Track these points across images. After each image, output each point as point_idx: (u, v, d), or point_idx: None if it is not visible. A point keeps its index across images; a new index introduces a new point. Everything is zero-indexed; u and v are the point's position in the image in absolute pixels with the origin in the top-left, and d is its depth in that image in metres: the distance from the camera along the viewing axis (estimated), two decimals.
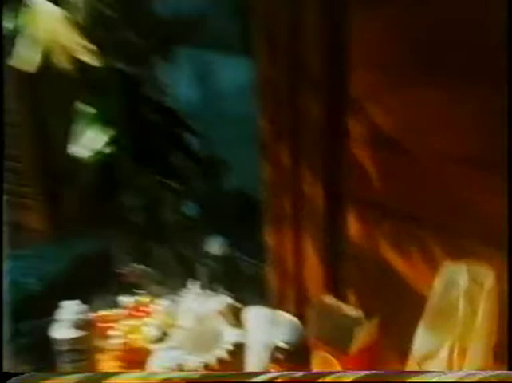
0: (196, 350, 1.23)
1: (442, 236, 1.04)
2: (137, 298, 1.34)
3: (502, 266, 0.89)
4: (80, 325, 1.13)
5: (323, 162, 1.19)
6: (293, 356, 1.07)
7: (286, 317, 1.21)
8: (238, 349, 1.22)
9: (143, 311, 1.33)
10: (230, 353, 1.21)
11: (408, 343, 0.99)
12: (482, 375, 0.65)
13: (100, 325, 1.23)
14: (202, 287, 1.28)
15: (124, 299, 1.33)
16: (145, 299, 1.35)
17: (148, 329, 1.27)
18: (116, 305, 1.31)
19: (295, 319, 1.20)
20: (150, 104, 1.40)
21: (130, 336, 1.27)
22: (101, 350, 1.18)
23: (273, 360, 1.08)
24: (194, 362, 1.19)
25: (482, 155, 0.97)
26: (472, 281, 0.92)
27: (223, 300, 1.26)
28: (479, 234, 0.97)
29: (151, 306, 1.33)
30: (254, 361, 1.19)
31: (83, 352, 1.13)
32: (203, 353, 1.22)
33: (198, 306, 1.25)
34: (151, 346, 1.24)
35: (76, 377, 0.57)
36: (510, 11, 0.60)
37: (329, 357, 1.02)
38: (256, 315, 1.23)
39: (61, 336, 1.12)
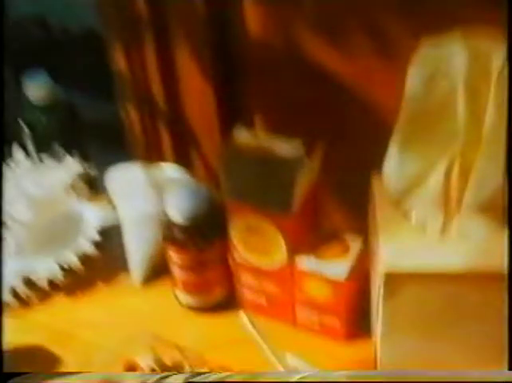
0: (45, 251, 0.85)
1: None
2: None
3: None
4: None
5: None
6: (202, 229, 0.74)
7: (175, 176, 0.85)
8: (109, 236, 0.86)
9: None
10: (97, 244, 0.85)
11: (366, 176, 0.68)
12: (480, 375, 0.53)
13: None
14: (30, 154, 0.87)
15: None
16: None
17: None
18: None
19: (188, 176, 0.84)
20: None
21: None
22: None
23: (170, 240, 0.74)
24: (45, 269, 0.82)
25: None
26: (473, 61, 0.61)
27: (70, 168, 0.87)
28: None
29: None
30: (135, 248, 0.83)
31: None
32: (57, 252, 0.84)
33: (32, 185, 0.84)
34: None
35: (78, 377, 0.54)
36: (510, 11, 0.52)
37: (262, 223, 0.69)
38: (126, 181, 0.85)
39: None
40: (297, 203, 0.67)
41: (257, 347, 0.73)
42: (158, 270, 0.82)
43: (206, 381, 0.58)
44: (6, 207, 0.83)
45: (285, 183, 0.66)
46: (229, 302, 0.78)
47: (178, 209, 0.72)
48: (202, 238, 0.73)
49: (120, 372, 0.67)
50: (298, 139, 0.67)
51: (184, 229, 0.72)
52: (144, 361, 0.68)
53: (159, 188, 0.79)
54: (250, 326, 0.76)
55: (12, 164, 0.85)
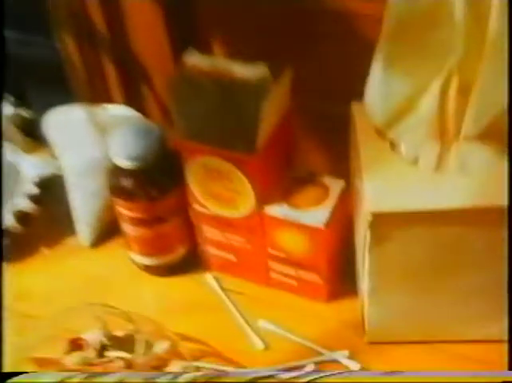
0: None
1: None
2: None
3: None
4: None
5: None
6: (153, 175, 0.62)
7: (122, 116, 0.74)
8: (50, 191, 0.75)
9: None
10: (36, 200, 0.74)
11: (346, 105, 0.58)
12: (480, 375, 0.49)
13: None
14: None
15: None
16: None
17: None
18: None
19: (137, 116, 0.72)
20: None
21: None
22: None
23: (118, 191, 0.63)
24: None
25: None
26: None
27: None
28: None
29: None
30: (81, 203, 0.73)
31: None
32: None
33: None
34: None
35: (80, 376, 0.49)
36: (510, 11, 0.46)
37: (223, 166, 0.59)
38: (67, 125, 0.73)
39: None
40: (264, 141, 0.57)
41: (225, 312, 0.64)
42: (108, 229, 0.72)
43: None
44: None
45: (247, 115, 0.55)
46: (191, 261, 0.68)
47: (124, 151, 0.61)
48: (154, 185, 0.62)
49: (65, 352, 0.58)
50: (262, 63, 0.56)
51: (132, 175, 0.61)
52: (92, 337, 0.59)
53: (104, 132, 0.68)
54: (216, 288, 0.66)
55: None
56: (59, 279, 0.70)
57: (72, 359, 0.57)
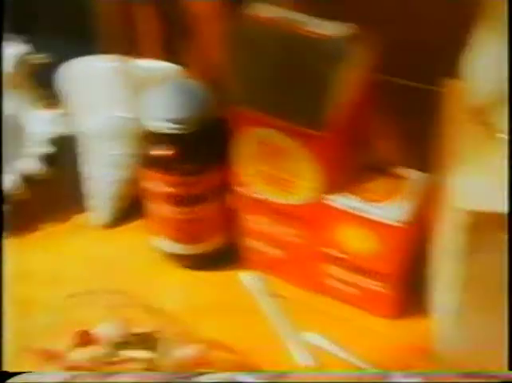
0: None
1: None
2: None
3: None
4: None
5: None
6: (195, 144, 0.55)
7: (158, 73, 0.64)
8: (62, 156, 0.70)
9: None
10: (49, 159, 0.68)
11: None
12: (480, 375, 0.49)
13: None
14: None
15: None
16: None
17: None
18: None
19: (177, 69, 0.64)
20: None
21: None
22: None
23: (148, 161, 0.57)
24: None
25: None
26: None
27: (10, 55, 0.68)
28: None
29: None
30: (98, 174, 0.67)
31: None
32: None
33: None
34: None
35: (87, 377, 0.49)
36: (510, 11, 0.47)
37: (281, 141, 0.53)
38: (89, 79, 0.67)
39: None
40: (336, 117, 0.51)
41: (264, 319, 0.58)
42: (129, 208, 0.67)
43: None
44: None
45: (319, 82, 0.50)
46: (226, 255, 0.62)
47: (162, 113, 0.55)
48: (195, 156, 0.56)
49: (72, 346, 0.52)
50: (341, 21, 0.51)
51: (171, 142, 0.55)
52: (105, 331, 0.53)
53: (137, 90, 0.62)
54: (255, 289, 0.60)
55: None
56: (66, 260, 0.64)
57: (80, 355, 0.52)
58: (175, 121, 0.55)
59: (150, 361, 0.51)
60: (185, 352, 0.52)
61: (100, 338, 0.52)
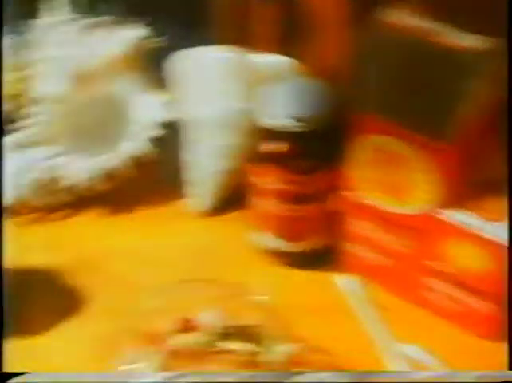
0: (81, 145, 0.70)
1: None
2: None
3: None
4: None
5: None
6: (311, 144, 0.55)
7: (277, 67, 0.64)
8: (168, 141, 0.71)
9: None
10: (152, 148, 0.70)
11: None
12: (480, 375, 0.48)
13: None
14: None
15: None
16: None
17: None
18: None
19: (298, 67, 0.64)
20: None
21: None
22: None
23: (259, 156, 0.58)
24: (80, 168, 0.67)
25: None
26: None
27: (126, 40, 0.69)
28: None
29: None
30: (204, 163, 0.68)
31: None
32: (96, 150, 0.70)
33: (75, 54, 0.69)
34: None
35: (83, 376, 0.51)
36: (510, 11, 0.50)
37: (400, 149, 0.53)
38: (204, 68, 0.68)
39: None
40: (463, 129, 0.51)
41: (356, 322, 0.58)
42: (228, 199, 0.67)
43: None
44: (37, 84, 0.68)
45: (451, 93, 0.50)
46: (326, 256, 0.62)
47: (282, 109, 0.55)
48: (310, 155, 0.56)
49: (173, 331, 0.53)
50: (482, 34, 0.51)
51: (288, 139, 0.55)
52: (207, 319, 0.54)
53: (254, 83, 0.63)
54: (352, 294, 0.60)
55: (47, 24, 0.70)
56: (163, 244, 0.65)
57: (180, 340, 0.52)
58: (294, 119, 0.55)
59: (249, 354, 0.52)
60: (285, 349, 0.52)
61: (200, 326, 0.53)
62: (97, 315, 0.59)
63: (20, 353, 0.56)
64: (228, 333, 0.53)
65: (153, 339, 0.53)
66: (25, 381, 0.47)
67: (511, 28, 0.48)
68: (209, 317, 0.53)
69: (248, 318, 0.54)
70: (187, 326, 0.53)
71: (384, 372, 0.54)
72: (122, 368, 0.51)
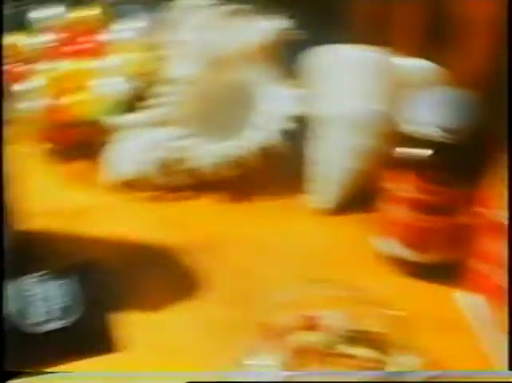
0: (209, 130, 0.71)
1: None
2: None
3: None
4: None
5: None
6: (459, 156, 0.54)
7: (423, 71, 0.63)
8: (297, 135, 0.70)
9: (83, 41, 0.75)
10: (285, 135, 0.69)
11: None
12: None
13: None
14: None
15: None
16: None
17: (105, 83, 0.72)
18: None
19: (446, 74, 0.63)
20: None
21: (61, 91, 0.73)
22: None
23: (399, 162, 0.57)
24: (206, 152, 0.68)
25: None
26: None
27: (264, 30, 0.69)
28: None
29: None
30: (333, 160, 0.67)
31: None
32: (223, 137, 0.70)
33: (211, 39, 0.69)
34: (112, 120, 0.73)
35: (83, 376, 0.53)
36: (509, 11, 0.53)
37: None
38: (338, 64, 0.66)
39: None
40: None
41: (474, 341, 0.57)
42: (352, 199, 0.67)
43: None
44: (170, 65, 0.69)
45: None
46: (449, 269, 0.60)
47: (428, 116, 0.55)
48: (451, 167, 0.55)
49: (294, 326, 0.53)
50: None
51: (429, 147, 0.55)
52: (333, 320, 0.53)
53: (391, 85, 0.62)
54: (471, 311, 0.59)
55: (187, 7, 0.71)
56: (281, 237, 0.65)
57: (302, 338, 0.52)
58: (439, 128, 0.55)
59: (372, 361, 0.51)
60: (409, 361, 0.52)
61: (324, 326, 0.53)
62: (213, 300, 0.60)
63: (136, 327, 0.57)
64: (352, 337, 0.52)
65: (273, 333, 0.53)
66: (25, 381, 0.49)
67: (511, 27, 0.48)
68: (333, 318, 0.53)
69: (371, 324, 0.54)
70: (311, 324, 0.53)
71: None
72: (239, 359, 0.52)
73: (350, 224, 0.66)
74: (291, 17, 0.68)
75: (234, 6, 0.69)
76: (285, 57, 0.70)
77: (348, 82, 0.65)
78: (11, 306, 0.57)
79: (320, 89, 0.67)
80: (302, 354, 0.51)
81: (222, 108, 0.69)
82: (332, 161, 0.66)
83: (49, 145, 0.74)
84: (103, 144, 0.71)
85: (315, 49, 0.68)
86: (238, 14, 0.69)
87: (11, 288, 0.58)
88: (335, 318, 0.53)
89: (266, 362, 0.51)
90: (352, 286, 0.56)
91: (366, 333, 0.53)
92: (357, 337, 0.52)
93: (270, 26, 0.68)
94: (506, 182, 0.53)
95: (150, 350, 0.55)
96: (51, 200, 0.68)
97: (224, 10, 0.69)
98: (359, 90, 0.64)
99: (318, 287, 0.55)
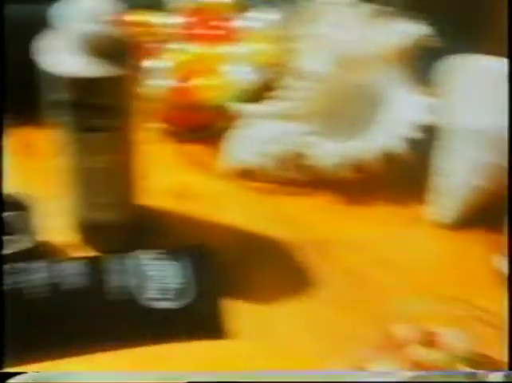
0: (333, 127, 0.70)
1: None
2: None
3: None
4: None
5: None
6: None
7: None
8: (424, 142, 0.69)
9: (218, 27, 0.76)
10: (412, 143, 0.68)
11: None
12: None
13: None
14: None
15: None
16: None
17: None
18: None
19: None
20: None
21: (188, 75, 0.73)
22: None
23: None
24: (328, 150, 0.68)
25: None
26: None
27: (408, 29, 0.68)
28: None
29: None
30: (459, 173, 0.65)
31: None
32: (345, 137, 0.69)
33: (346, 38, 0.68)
34: (236, 108, 0.73)
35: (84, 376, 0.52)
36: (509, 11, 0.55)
37: None
38: (478, 76, 0.66)
39: None
40: None
41: None
42: (474, 216, 0.65)
43: None
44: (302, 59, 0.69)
45: None
46: None
47: None
48: None
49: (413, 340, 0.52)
50: None
51: None
52: (453, 338, 0.52)
53: None
54: None
55: (326, 3, 0.70)
56: (397, 246, 0.64)
57: (420, 353, 0.51)
58: None
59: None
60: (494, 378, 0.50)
61: (443, 344, 0.52)
62: (325, 301, 0.59)
63: (245, 318, 0.57)
64: (472, 359, 0.51)
65: (390, 343, 0.52)
66: (25, 381, 0.49)
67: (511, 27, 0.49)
68: (454, 338, 0.52)
69: (494, 348, 0.52)
70: (429, 340, 0.52)
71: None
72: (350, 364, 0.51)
73: (469, 240, 0.65)
74: (431, 23, 0.67)
75: (374, 7, 0.68)
76: (421, 64, 0.68)
77: (483, 95, 0.63)
78: (129, 278, 0.58)
79: (452, 100, 0.66)
80: (419, 369, 0.51)
81: (349, 109, 0.69)
82: (458, 175, 0.64)
83: (164, 125, 0.75)
84: (224, 129, 0.71)
85: (451, 58, 0.67)
86: (377, 15, 0.68)
87: (129, 261, 0.59)
88: (456, 337, 0.52)
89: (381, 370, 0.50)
90: (473, 305, 0.55)
91: (487, 357, 0.52)
92: (478, 361, 0.51)
93: (409, 31, 0.67)
94: None
95: (257, 343, 0.56)
96: (166, 180, 0.69)
97: (364, 10, 0.68)
98: (493, 104, 0.62)
99: (438, 303, 0.55)
